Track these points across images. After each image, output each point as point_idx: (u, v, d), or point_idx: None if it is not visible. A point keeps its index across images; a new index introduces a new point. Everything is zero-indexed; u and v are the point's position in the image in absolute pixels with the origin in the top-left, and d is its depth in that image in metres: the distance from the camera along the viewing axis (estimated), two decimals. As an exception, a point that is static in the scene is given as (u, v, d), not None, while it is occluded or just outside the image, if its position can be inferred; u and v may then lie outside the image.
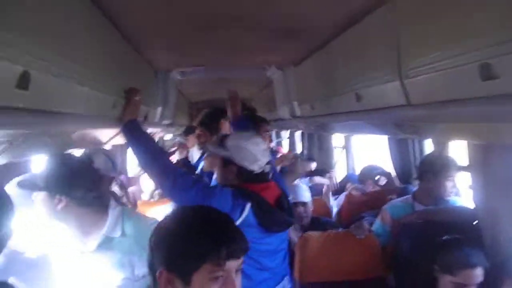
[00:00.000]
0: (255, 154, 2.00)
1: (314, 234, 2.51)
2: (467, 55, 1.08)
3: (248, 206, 1.88)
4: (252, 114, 3.54)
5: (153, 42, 2.24)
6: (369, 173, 3.73)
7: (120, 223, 1.73)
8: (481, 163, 2.04)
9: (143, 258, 1.66)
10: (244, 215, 1.87)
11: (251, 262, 1.91)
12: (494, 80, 1.03)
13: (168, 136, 7.75)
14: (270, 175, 2.12)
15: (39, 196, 1.60)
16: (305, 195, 2.92)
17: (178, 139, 6.79)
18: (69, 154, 1.88)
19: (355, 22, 1.85)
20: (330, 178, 4.12)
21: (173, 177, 1.91)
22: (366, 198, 3.31)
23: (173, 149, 5.05)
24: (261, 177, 2.04)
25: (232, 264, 1.16)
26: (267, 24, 1.97)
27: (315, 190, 3.72)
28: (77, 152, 2.53)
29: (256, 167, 2.00)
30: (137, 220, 1.78)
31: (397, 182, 3.48)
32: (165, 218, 1.25)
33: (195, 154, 4.29)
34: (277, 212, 1.99)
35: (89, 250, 1.70)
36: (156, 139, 6.92)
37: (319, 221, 2.98)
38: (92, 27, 1.51)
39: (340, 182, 4.19)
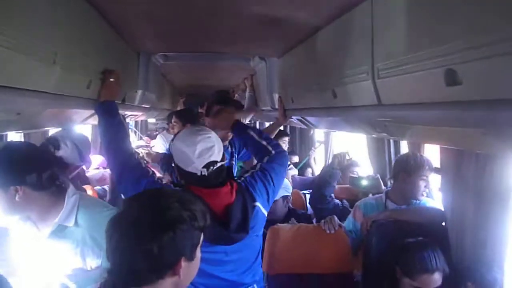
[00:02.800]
0: (189, 156, 1.79)
1: (284, 226, 2.53)
2: (433, 60, 1.09)
3: None
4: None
5: (136, 24, 2.21)
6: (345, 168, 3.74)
7: (74, 213, 1.71)
8: (451, 166, 2.08)
9: (96, 250, 1.67)
10: None
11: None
12: (457, 86, 1.04)
13: (151, 120, 7.72)
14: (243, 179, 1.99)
15: None
16: (287, 189, 2.92)
17: (159, 124, 6.77)
18: (13, 142, 1.87)
19: (335, 18, 1.86)
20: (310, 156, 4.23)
21: (126, 167, 1.91)
22: (341, 192, 3.33)
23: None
24: (210, 180, 1.83)
25: None
26: (252, 14, 1.95)
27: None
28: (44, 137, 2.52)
29: (192, 170, 1.81)
30: (92, 211, 1.76)
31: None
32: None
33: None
34: (215, 227, 1.71)
35: (43, 237, 1.69)
36: (138, 122, 6.90)
37: (295, 212, 3.01)
38: (66, 4, 1.48)
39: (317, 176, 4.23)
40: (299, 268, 2.40)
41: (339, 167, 3.02)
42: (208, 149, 1.82)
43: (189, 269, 1.20)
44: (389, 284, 2.06)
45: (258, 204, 1.97)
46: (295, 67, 2.75)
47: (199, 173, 1.80)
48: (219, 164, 1.84)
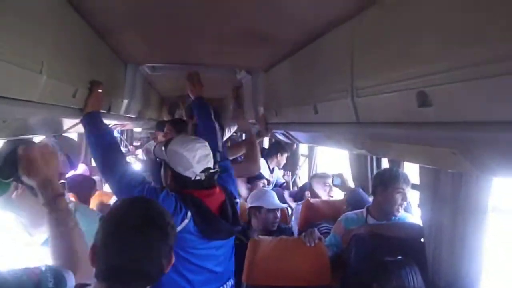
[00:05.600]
0: (189, 160, 1.95)
1: (265, 238, 2.56)
2: (406, 82, 1.15)
3: (189, 214, 1.89)
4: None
5: (124, 35, 2.24)
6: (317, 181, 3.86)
7: None
8: (429, 183, 2.12)
9: None
10: (185, 223, 1.88)
11: (190, 266, 1.94)
12: (428, 108, 1.10)
13: (138, 129, 7.70)
14: (216, 176, 2.11)
15: None
16: (278, 202, 3.03)
17: (143, 133, 6.76)
18: (27, 141, 1.87)
19: (319, 36, 1.91)
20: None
21: (121, 174, 1.95)
22: (324, 205, 3.38)
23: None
24: (203, 183, 1.99)
25: None
26: (239, 28, 2.00)
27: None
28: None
29: (190, 174, 1.96)
30: (84, 214, 1.78)
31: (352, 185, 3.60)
32: (109, 212, 1.28)
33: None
34: (219, 221, 1.97)
35: (36, 243, 1.67)
36: (124, 130, 6.89)
37: (279, 227, 3.06)
38: (55, 14, 1.50)
39: (300, 189, 4.29)
40: (278, 280, 2.42)
41: None
42: (205, 156, 2.00)
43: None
44: None
45: (237, 200, 2.22)
46: (280, 82, 2.80)
47: (193, 177, 1.95)
48: (212, 171, 2.01)
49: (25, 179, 1.50)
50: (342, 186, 3.69)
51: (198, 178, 1.96)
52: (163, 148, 2.06)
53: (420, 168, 2.19)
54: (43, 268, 1.26)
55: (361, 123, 1.55)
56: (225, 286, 2.11)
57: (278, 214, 3.01)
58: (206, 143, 2.05)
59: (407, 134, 1.30)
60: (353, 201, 3.11)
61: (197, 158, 1.96)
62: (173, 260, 1.29)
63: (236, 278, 2.29)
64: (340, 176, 3.73)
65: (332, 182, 3.76)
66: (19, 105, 1.36)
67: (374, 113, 1.45)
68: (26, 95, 1.39)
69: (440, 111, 1.08)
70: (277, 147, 4.73)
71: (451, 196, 1.99)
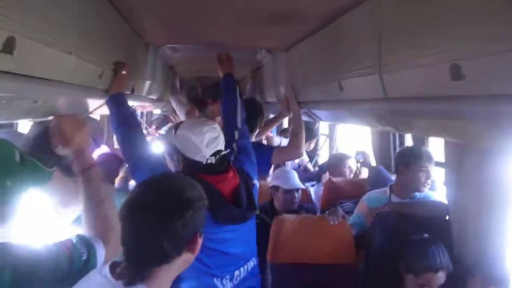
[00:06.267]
0: (198, 145, 1.89)
1: (289, 217, 2.58)
2: (439, 55, 1.13)
3: None
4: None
5: (146, 17, 2.25)
6: (338, 162, 3.83)
7: None
8: (456, 161, 2.09)
9: None
10: None
11: (207, 251, 1.89)
12: (462, 81, 1.08)
13: (157, 111, 7.74)
14: (232, 158, 2.10)
15: None
16: (295, 183, 2.98)
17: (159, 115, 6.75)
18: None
19: (344, 13, 1.89)
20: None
21: (140, 155, 1.98)
22: (345, 185, 3.37)
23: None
24: (215, 167, 1.95)
25: None
26: (260, 6, 1.97)
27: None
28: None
29: (199, 158, 1.91)
30: (117, 196, 1.81)
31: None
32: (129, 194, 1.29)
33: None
34: (231, 207, 1.93)
35: (66, 223, 1.71)
36: (144, 113, 6.94)
37: (302, 207, 3.07)
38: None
39: (319, 168, 4.29)
40: (302, 258, 2.44)
41: None
42: (215, 138, 1.93)
43: (199, 245, 1.27)
44: (392, 278, 2.06)
45: (255, 182, 2.17)
46: (302, 60, 2.78)
47: (204, 162, 1.91)
48: (223, 153, 1.96)
49: (59, 149, 1.51)
50: (365, 162, 3.67)
51: (209, 161, 1.92)
52: (173, 132, 2.04)
53: (446, 145, 2.17)
54: (74, 240, 1.27)
55: (389, 98, 1.53)
56: (245, 266, 2.09)
57: (297, 195, 2.97)
58: (216, 125, 2.00)
59: (437, 108, 1.28)
60: (374, 179, 3.11)
61: (206, 142, 1.91)
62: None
63: (260, 258, 2.30)
64: (362, 153, 3.72)
65: (355, 157, 3.75)
66: (50, 85, 1.39)
67: (403, 88, 1.43)
68: (56, 75, 1.42)
69: (473, 84, 1.06)
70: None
71: (477, 173, 1.97)
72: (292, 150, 2.82)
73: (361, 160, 3.72)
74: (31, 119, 1.67)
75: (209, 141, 1.91)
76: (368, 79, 1.62)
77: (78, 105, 2.06)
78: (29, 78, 1.22)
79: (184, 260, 1.24)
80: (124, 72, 2.12)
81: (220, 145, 1.96)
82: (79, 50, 1.48)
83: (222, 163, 1.98)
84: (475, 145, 1.91)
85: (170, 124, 5.27)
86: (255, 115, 2.82)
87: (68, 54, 1.40)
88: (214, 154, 1.93)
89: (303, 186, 3.00)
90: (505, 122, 1.10)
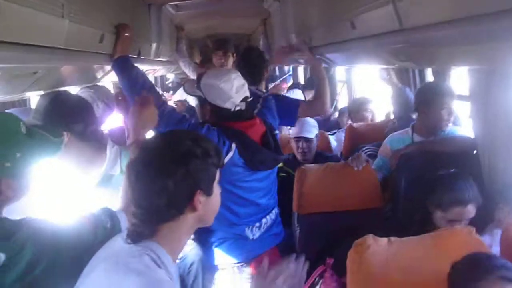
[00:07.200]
0: (227, 92, 1.93)
1: (312, 167, 2.53)
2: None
3: (234, 146, 1.90)
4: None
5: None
6: (359, 106, 3.70)
7: (119, 162, 1.77)
8: (481, 92, 1.99)
9: None
10: (230, 155, 1.89)
11: (237, 199, 2.00)
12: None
13: (170, 75, 7.68)
14: (256, 111, 2.12)
15: None
16: (311, 131, 2.88)
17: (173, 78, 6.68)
18: (66, 91, 1.88)
19: None
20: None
21: (162, 112, 1.91)
22: (367, 129, 3.29)
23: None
24: (243, 114, 2.01)
25: None
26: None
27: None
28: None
29: (230, 105, 1.96)
30: (127, 156, 1.78)
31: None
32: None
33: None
34: (264, 151, 1.99)
35: (88, 187, 1.72)
36: (157, 78, 6.89)
37: (322, 155, 3.00)
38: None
39: (339, 113, 4.21)
40: (329, 207, 2.41)
41: None
42: (242, 85, 1.99)
43: (209, 204, 1.21)
44: (421, 218, 1.99)
45: (277, 132, 2.23)
46: (310, 4, 2.66)
47: (233, 108, 1.96)
48: (249, 99, 2.02)
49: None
50: (389, 81, 3.44)
51: (238, 108, 1.97)
52: (195, 84, 2.04)
53: (470, 76, 2.06)
54: (97, 212, 1.31)
55: (405, 29, 1.42)
56: (268, 217, 2.16)
57: (306, 144, 2.87)
58: (239, 73, 2.03)
59: (459, 32, 1.16)
60: (398, 101, 3.08)
61: (235, 88, 1.94)
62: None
63: (288, 210, 2.34)
64: (387, 72, 3.46)
65: (380, 76, 3.58)
66: (45, 52, 1.34)
67: (420, 15, 1.31)
68: (50, 41, 1.35)
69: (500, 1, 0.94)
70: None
71: (505, 103, 1.87)
72: (317, 106, 2.68)
73: (384, 78, 3.50)
74: (38, 93, 1.63)
75: (238, 87, 1.95)
76: (381, 11, 1.50)
77: (84, 74, 2.01)
78: (19, 45, 1.15)
79: (194, 218, 1.19)
80: (126, 34, 2.05)
81: (247, 92, 2.01)
82: (72, 13, 1.41)
83: (249, 111, 2.05)
84: (504, 71, 1.79)
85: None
86: (258, 65, 2.72)
87: (60, 18, 1.33)
88: (243, 100, 1.98)
89: (310, 135, 2.88)
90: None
